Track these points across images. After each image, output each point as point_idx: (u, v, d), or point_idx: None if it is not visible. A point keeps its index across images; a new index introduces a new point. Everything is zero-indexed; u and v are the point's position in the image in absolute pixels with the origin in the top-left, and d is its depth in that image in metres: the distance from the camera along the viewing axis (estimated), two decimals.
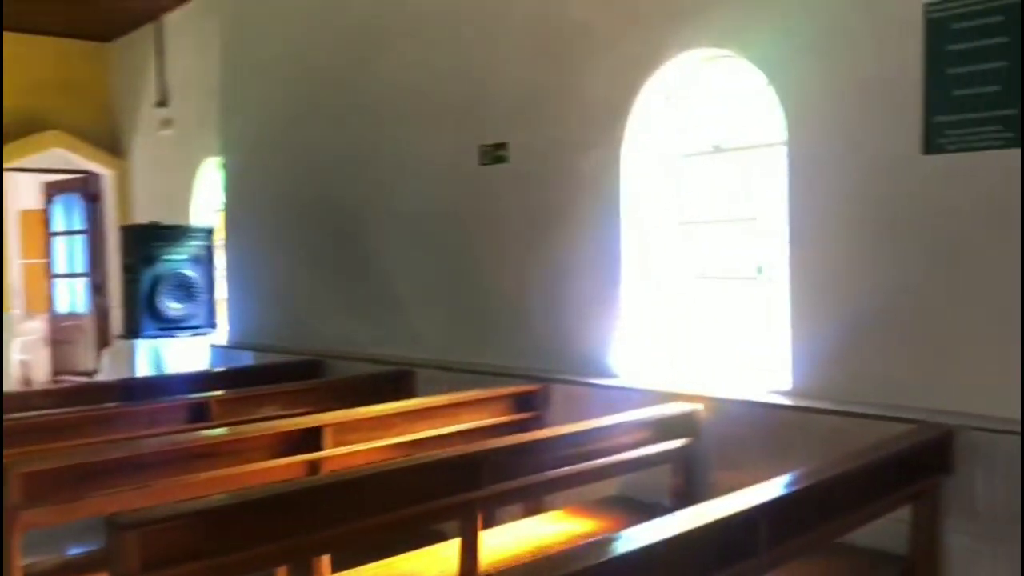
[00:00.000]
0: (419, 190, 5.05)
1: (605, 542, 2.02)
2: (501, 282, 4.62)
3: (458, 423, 3.92)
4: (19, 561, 2.84)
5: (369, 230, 5.40)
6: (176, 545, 2.25)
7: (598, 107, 4.11)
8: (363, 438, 3.63)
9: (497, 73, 4.55)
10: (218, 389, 4.73)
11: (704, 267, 4.08)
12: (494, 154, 4.61)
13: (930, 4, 3.02)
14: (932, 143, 3.05)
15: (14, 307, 8.83)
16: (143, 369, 6.42)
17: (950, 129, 3.00)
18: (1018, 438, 2.76)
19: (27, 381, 8.97)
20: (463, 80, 4.73)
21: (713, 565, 2.10)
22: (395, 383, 4.74)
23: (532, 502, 3.91)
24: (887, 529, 3.00)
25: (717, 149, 4.00)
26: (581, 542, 3.38)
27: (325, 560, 3.12)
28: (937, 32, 3.01)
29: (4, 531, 2.81)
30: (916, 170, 3.11)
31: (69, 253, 8.78)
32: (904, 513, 2.93)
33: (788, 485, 2.36)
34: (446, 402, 3.95)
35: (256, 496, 2.54)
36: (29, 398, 5.09)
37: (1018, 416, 2.85)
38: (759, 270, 3.88)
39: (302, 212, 5.90)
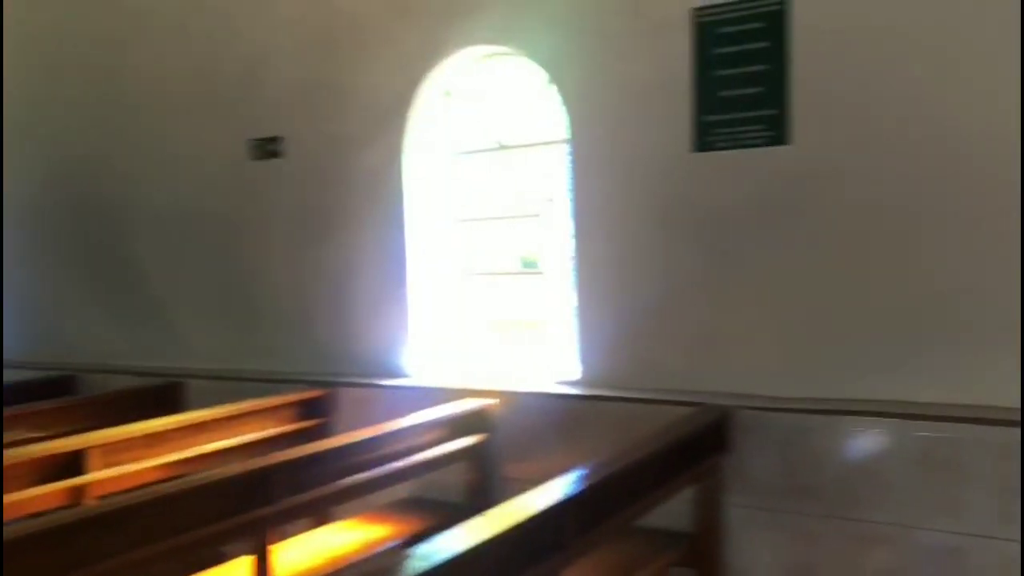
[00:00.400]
0: (184, 187, 4.69)
1: (407, 553, 1.93)
2: (279, 284, 4.39)
3: (238, 436, 3.68)
4: None
5: (129, 231, 4.94)
6: None
7: (378, 103, 4.00)
8: (133, 458, 3.31)
9: (268, 63, 4.31)
10: None
11: (490, 263, 4.09)
12: (266, 148, 4.37)
13: (697, 9, 3.18)
14: (701, 141, 3.22)
15: None
16: None
17: (718, 128, 3.18)
18: (785, 415, 2.99)
19: None
20: (231, 70, 4.44)
21: (523, 562, 2.08)
22: (162, 397, 4.38)
23: (323, 512, 3.75)
24: (672, 509, 3.14)
25: (501, 146, 4.02)
26: (376, 549, 3.29)
27: None
28: (704, 36, 3.18)
29: None
30: (688, 167, 3.27)
31: None
32: (687, 491, 3.09)
33: (589, 476, 2.39)
34: (224, 414, 3.69)
35: (14, 537, 2.22)
36: None
37: (781, 394, 3.08)
38: (525, 263, 3.97)
39: (51, 213, 5.30)
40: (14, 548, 2.17)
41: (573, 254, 3.56)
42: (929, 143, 2.86)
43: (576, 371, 3.57)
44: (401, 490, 3.69)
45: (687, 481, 3.00)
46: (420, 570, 1.76)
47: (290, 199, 4.32)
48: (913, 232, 2.90)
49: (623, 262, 3.43)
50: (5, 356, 5.38)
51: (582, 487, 2.29)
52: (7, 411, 3.99)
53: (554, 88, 3.58)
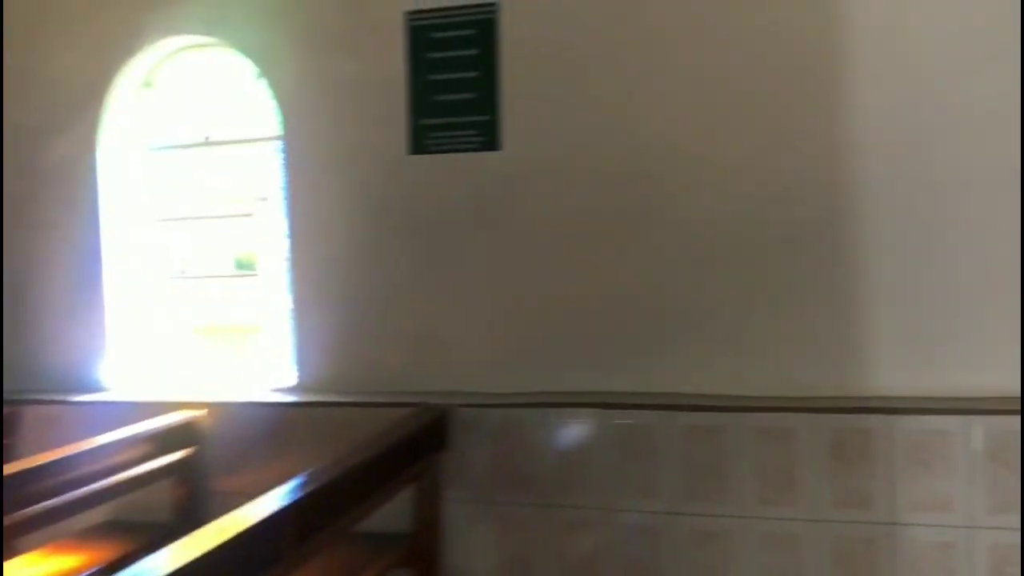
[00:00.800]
0: None
1: None
2: None
3: None
4: None
5: None
6: None
7: (69, 91, 3.64)
8: None
9: None
10: None
11: (199, 265, 3.86)
12: None
13: (411, 12, 3.21)
14: (417, 144, 3.25)
15: None
16: None
17: (433, 131, 3.23)
18: (498, 410, 3.09)
19: None
20: None
21: None
22: None
23: (5, 546, 3.34)
24: (392, 510, 3.14)
25: (209, 142, 3.80)
26: None
27: None
28: (418, 40, 3.21)
29: None
30: (404, 169, 3.29)
31: None
32: (408, 492, 3.10)
33: (305, 485, 2.32)
34: None
35: None
36: None
37: (497, 390, 3.19)
38: (239, 264, 3.81)
39: None
40: None
41: (288, 255, 3.45)
42: (623, 151, 3.09)
43: (292, 377, 3.46)
44: (97, 514, 3.38)
45: (406, 481, 3.01)
46: None
47: None
48: (611, 233, 3.12)
49: (340, 263, 3.38)
50: None
51: (297, 496, 2.21)
52: None
53: (264, 83, 3.45)
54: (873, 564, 2.79)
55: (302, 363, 3.45)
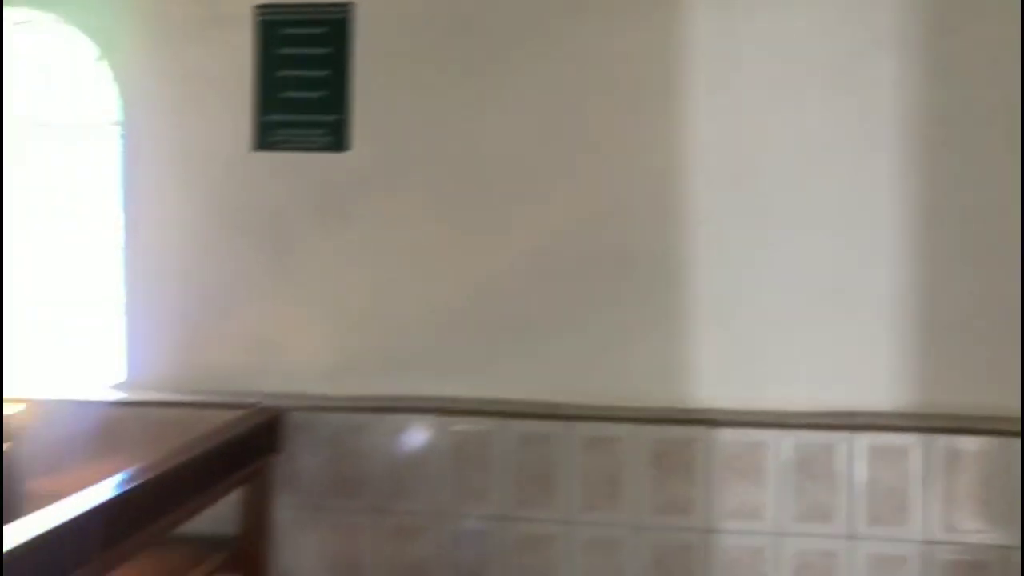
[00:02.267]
0: None
1: None
2: None
3: None
4: None
5: None
6: None
7: None
8: None
9: None
10: None
11: (27, 252, 3.65)
12: None
13: (260, 6, 3.16)
14: (262, 140, 3.20)
15: None
16: None
17: (280, 128, 3.18)
18: (334, 414, 3.07)
19: None
20: None
21: None
22: None
23: None
24: (218, 514, 3.07)
25: (44, 125, 3.60)
26: None
27: None
28: (267, 34, 3.16)
29: None
30: (248, 165, 3.23)
31: None
32: (235, 495, 3.03)
33: (120, 484, 2.25)
34: None
35: None
36: None
37: (333, 393, 3.17)
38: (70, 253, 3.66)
39: None
40: None
41: (123, 246, 3.32)
42: (471, 159, 3.14)
43: (122, 374, 3.33)
44: None
45: (235, 484, 2.95)
46: None
47: None
48: (453, 241, 3.16)
49: (177, 257, 3.28)
50: None
51: (109, 496, 2.14)
52: None
53: (105, 64, 3.31)
54: (690, 568, 2.93)
55: (133, 359, 3.32)
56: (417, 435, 3.05)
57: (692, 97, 3.01)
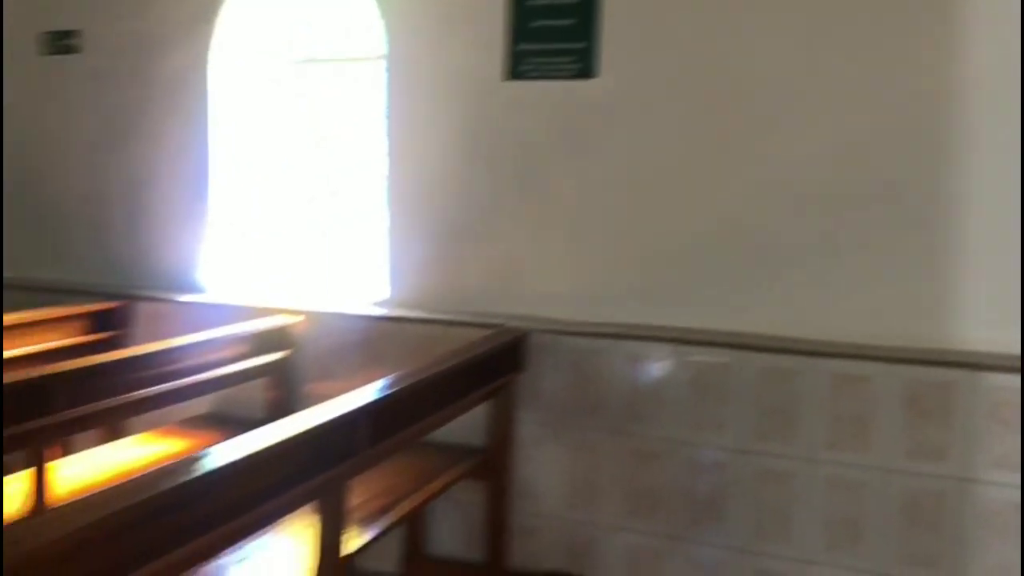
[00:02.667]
0: None
1: (193, 458, 1.94)
2: (73, 189, 4.14)
3: (22, 347, 3.47)
4: None
5: None
6: None
7: (185, 4, 3.80)
8: None
9: None
10: None
11: (306, 179, 4.02)
12: (60, 43, 4.07)
13: None
14: (513, 70, 3.29)
15: None
16: None
17: (530, 57, 3.25)
18: (576, 338, 3.16)
19: None
20: None
21: (313, 468, 2.13)
22: None
23: (114, 426, 3.64)
24: (466, 426, 3.28)
25: (313, 60, 3.92)
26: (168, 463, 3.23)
27: None
28: None
29: None
30: (500, 94, 3.33)
31: None
32: (484, 410, 3.22)
33: (384, 388, 2.46)
34: (10, 322, 3.47)
35: None
36: None
37: (575, 318, 3.25)
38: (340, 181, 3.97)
39: None
40: None
41: (387, 174, 3.56)
42: (723, 83, 3.05)
43: (384, 292, 3.60)
44: (199, 406, 3.64)
45: (482, 398, 3.13)
46: (195, 474, 1.76)
47: (87, 99, 4.06)
48: (702, 167, 3.10)
49: (433, 184, 3.47)
50: None
51: (375, 398, 2.35)
52: None
53: (373, 1, 3.52)
54: (941, 517, 2.77)
55: (394, 280, 3.58)
56: (656, 363, 3.08)
57: (971, 15, 2.74)
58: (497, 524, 3.27)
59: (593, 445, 3.17)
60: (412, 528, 3.40)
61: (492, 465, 3.24)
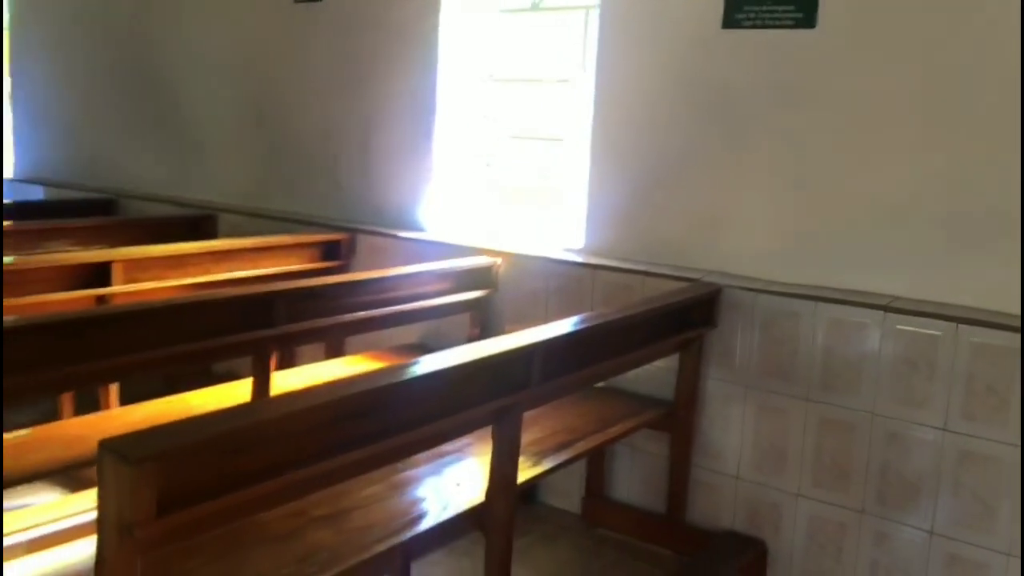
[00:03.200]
0: (227, 24, 4.79)
1: (379, 372, 2.11)
2: (312, 129, 4.51)
3: (259, 267, 3.87)
4: None
5: (171, 65, 5.08)
6: None
7: None
8: (157, 276, 3.53)
9: None
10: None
11: (516, 125, 4.14)
12: None
13: None
14: (730, 18, 3.19)
15: None
16: None
17: (748, 6, 3.14)
18: (773, 297, 3.07)
19: None
20: None
21: (490, 394, 2.24)
22: (195, 226, 4.60)
23: (331, 346, 3.98)
24: (657, 377, 3.29)
25: (535, 7, 4.00)
26: None
27: (112, 390, 3.07)
28: None
29: None
30: (715, 43, 3.25)
31: None
32: (673, 363, 3.22)
33: (562, 327, 2.52)
34: (248, 246, 3.88)
35: (28, 323, 2.45)
36: None
37: (773, 277, 3.16)
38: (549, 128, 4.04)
39: (99, 40, 5.46)
40: (34, 332, 2.39)
41: (592, 123, 3.59)
42: (954, 38, 2.81)
43: (582, 239, 3.66)
44: (408, 335, 3.90)
45: (670, 350, 3.13)
46: (380, 384, 1.93)
47: (327, 44, 4.38)
48: (925, 125, 2.89)
49: (639, 133, 3.46)
50: (57, 176, 5.67)
51: (552, 335, 2.42)
52: (52, 223, 4.25)
53: None
54: None
55: (591, 228, 3.63)
56: (858, 330, 2.92)
57: None
58: (678, 477, 3.28)
59: (783, 409, 3.08)
60: (594, 471, 3.47)
61: (677, 418, 3.23)
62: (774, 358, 3.08)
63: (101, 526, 1.47)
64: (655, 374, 3.31)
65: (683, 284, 3.19)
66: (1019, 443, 2.66)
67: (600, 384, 3.45)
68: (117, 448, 1.44)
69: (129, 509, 1.44)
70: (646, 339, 2.91)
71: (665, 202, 3.41)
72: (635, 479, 3.46)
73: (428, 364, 2.12)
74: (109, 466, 1.44)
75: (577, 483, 3.54)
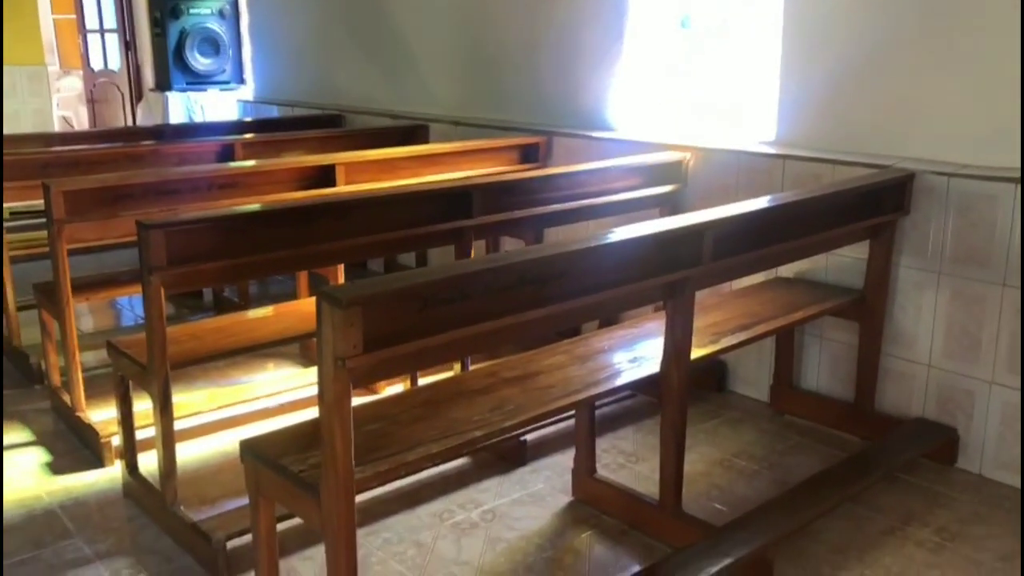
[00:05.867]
0: None
1: (564, 243, 2.32)
2: (509, 38, 4.71)
3: (463, 170, 4.17)
4: (67, 269, 3.23)
5: None
6: (199, 244, 2.59)
7: None
8: (373, 178, 3.91)
9: None
10: (244, 135, 5.01)
11: (703, 17, 4.14)
12: None
13: None
14: None
15: (50, 63, 9.07)
16: (176, 120, 6.69)
17: None
18: (969, 181, 2.97)
19: None
20: None
21: (662, 269, 2.40)
22: (409, 135, 4.98)
23: (531, 241, 4.24)
24: (847, 266, 3.29)
25: None
26: None
27: (339, 270, 3.52)
28: None
29: (51, 243, 3.19)
30: None
31: (99, 8, 8.82)
32: (863, 251, 3.20)
33: (738, 208, 2.61)
34: (452, 149, 4.19)
35: (268, 209, 2.86)
36: (69, 138, 5.43)
37: (968, 161, 3.04)
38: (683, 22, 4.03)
39: None
40: (270, 217, 2.81)
41: (783, 11, 3.55)
42: None
43: (773, 130, 3.66)
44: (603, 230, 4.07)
45: (858, 236, 3.12)
46: (561, 251, 2.15)
47: None
48: None
49: (832, 19, 3.38)
50: (290, 96, 6.27)
51: (723, 215, 2.52)
52: (285, 135, 4.78)
53: None
54: None
55: (783, 119, 3.61)
56: None
57: None
58: (867, 365, 3.29)
59: (978, 296, 3.00)
60: (781, 360, 3.54)
61: (866, 306, 3.23)
62: (969, 243, 2.99)
63: (320, 358, 1.80)
64: (844, 264, 3.31)
65: (874, 171, 3.15)
66: None
67: (788, 275, 3.50)
68: (331, 294, 1.75)
69: (342, 344, 1.75)
70: (832, 224, 2.92)
71: (859, 89, 3.34)
72: (823, 368, 3.50)
73: (603, 238, 2.30)
74: (325, 309, 1.75)
75: (766, 372, 3.63)
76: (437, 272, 2.03)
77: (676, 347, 2.53)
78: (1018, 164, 2.93)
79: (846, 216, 2.98)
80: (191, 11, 6.59)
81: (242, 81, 6.89)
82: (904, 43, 3.19)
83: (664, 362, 2.56)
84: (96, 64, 9.13)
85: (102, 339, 3.44)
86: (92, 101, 9.27)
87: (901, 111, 3.24)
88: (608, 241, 2.28)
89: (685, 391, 2.57)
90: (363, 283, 1.86)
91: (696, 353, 2.65)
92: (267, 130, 5.28)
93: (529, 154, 4.37)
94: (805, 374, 3.56)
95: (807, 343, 3.53)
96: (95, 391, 3.50)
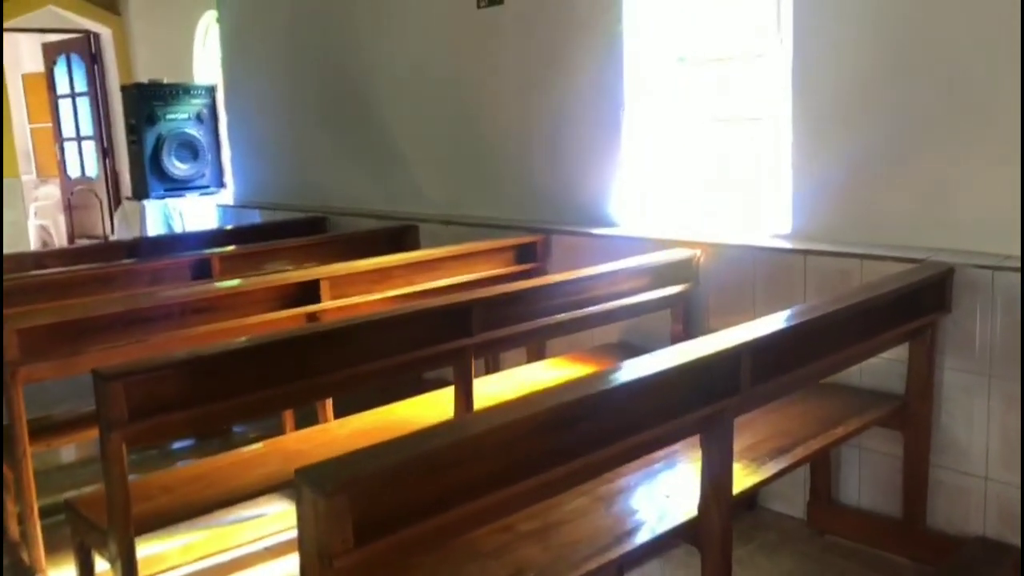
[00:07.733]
0: (418, 39, 4.87)
1: (580, 383, 2.02)
2: (502, 132, 4.50)
3: (458, 275, 3.89)
4: (23, 414, 2.91)
5: (369, 83, 5.25)
6: (164, 394, 2.28)
7: None
8: (362, 290, 3.63)
9: None
10: (223, 246, 4.73)
11: (704, 108, 3.93)
12: None
13: None
14: None
15: (26, 172, 8.87)
16: (153, 230, 6.44)
17: None
18: (1016, 275, 2.70)
19: (46, 245, 9.09)
20: None
21: (696, 402, 2.10)
22: (398, 237, 4.72)
23: (533, 349, 3.95)
24: (884, 369, 3.00)
25: None
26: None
27: (328, 405, 3.19)
28: None
29: (5, 386, 2.87)
30: (926, 6, 2.92)
31: (75, 116, 8.68)
32: (902, 353, 2.92)
33: (773, 323, 2.33)
34: (446, 254, 3.92)
35: (241, 346, 2.56)
36: (40, 258, 5.14)
37: (1011, 252, 2.79)
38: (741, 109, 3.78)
39: (301, 67, 5.74)
40: (254, 353, 2.51)
41: (791, 99, 3.33)
42: None
43: (788, 223, 3.41)
44: (611, 336, 3.80)
45: (897, 339, 2.83)
46: (581, 395, 1.84)
47: (512, 45, 4.36)
48: None
49: (846, 107, 3.17)
50: (272, 199, 6.04)
51: (760, 332, 2.23)
52: (266, 245, 4.51)
53: None
54: None
55: (798, 210, 3.37)
56: None
57: None
58: (915, 478, 2.97)
59: None
60: (819, 474, 3.22)
61: (910, 413, 2.93)
62: (1021, 343, 2.71)
63: (302, 555, 1.48)
64: (881, 366, 3.02)
65: (908, 265, 2.88)
66: None
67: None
68: (312, 479, 1.44)
69: (327, 540, 1.43)
70: (870, 331, 2.65)
71: (883, 175, 3.10)
72: (865, 481, 3.17)
73: (627, 371, 2.01)
74: (306, 498, 1.44)
75: (801, 487, 3.30)
76: (443, 433, 1.71)
77: (714, 485, 2.21)
78: None
79: (884, 319, 2.70)
80: (167, 116, 6.41)
81: (222, 185, 6.68)
82: (932, 121, 2.97)
83: (702, 503, 2.23)
84: (73, 172, 8.94)
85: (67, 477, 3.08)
86: (70, 208, 9.05)
87: (932, 197, 3.00)
88: (633, 377, 1.98)
89: (729, 536, 2.25)
90: (353, 458, 1.55)
91: (736, 488, 2.33)
92: (247, 239, 4.99)
93: (526, 254, 4.11)
94: (845, 488, 3.23)
95: (845, 453, 3.21)
96: (61, 541, 3.12)
